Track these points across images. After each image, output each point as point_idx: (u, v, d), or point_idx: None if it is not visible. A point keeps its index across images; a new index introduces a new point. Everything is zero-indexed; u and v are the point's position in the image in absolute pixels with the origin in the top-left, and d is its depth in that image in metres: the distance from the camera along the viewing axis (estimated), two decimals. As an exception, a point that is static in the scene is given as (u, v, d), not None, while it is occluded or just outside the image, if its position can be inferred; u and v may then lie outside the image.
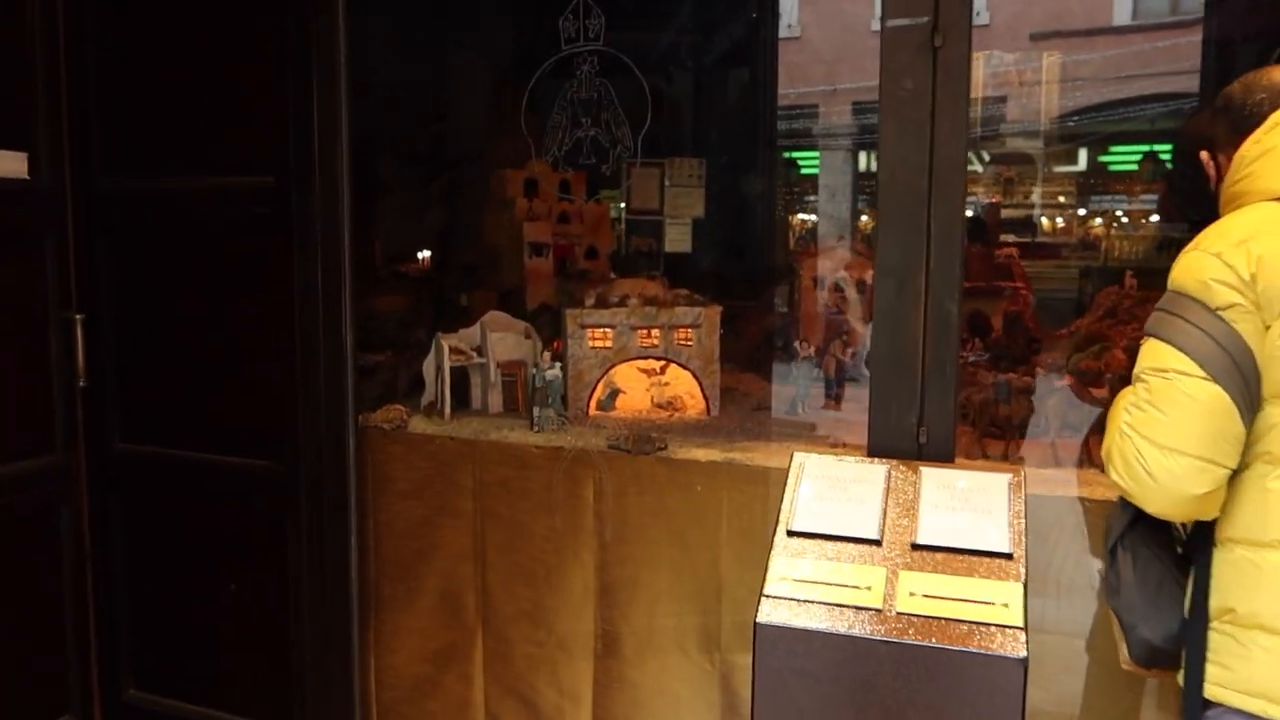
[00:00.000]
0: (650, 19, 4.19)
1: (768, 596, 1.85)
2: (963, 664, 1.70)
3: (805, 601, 1.83)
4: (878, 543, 1.90)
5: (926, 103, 2.01)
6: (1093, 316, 3.21)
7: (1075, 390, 2.52)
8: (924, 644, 1.72)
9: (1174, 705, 1.95)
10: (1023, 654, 1.67)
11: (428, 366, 3.05)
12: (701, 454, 2.54)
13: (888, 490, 1.99)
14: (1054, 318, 3.74)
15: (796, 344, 3.07)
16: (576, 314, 2.96)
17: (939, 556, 1.86)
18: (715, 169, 4.16)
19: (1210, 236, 1.52)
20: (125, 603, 3.13)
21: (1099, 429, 2.40)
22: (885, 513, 1.95)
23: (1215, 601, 1.53)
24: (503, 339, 3.07)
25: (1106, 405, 2.54)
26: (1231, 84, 1.68)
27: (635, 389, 3.02)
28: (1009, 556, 1.83)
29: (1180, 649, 1.58)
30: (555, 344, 3.07)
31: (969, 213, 2.21)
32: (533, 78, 2.94)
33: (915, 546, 1.88)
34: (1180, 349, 1.45)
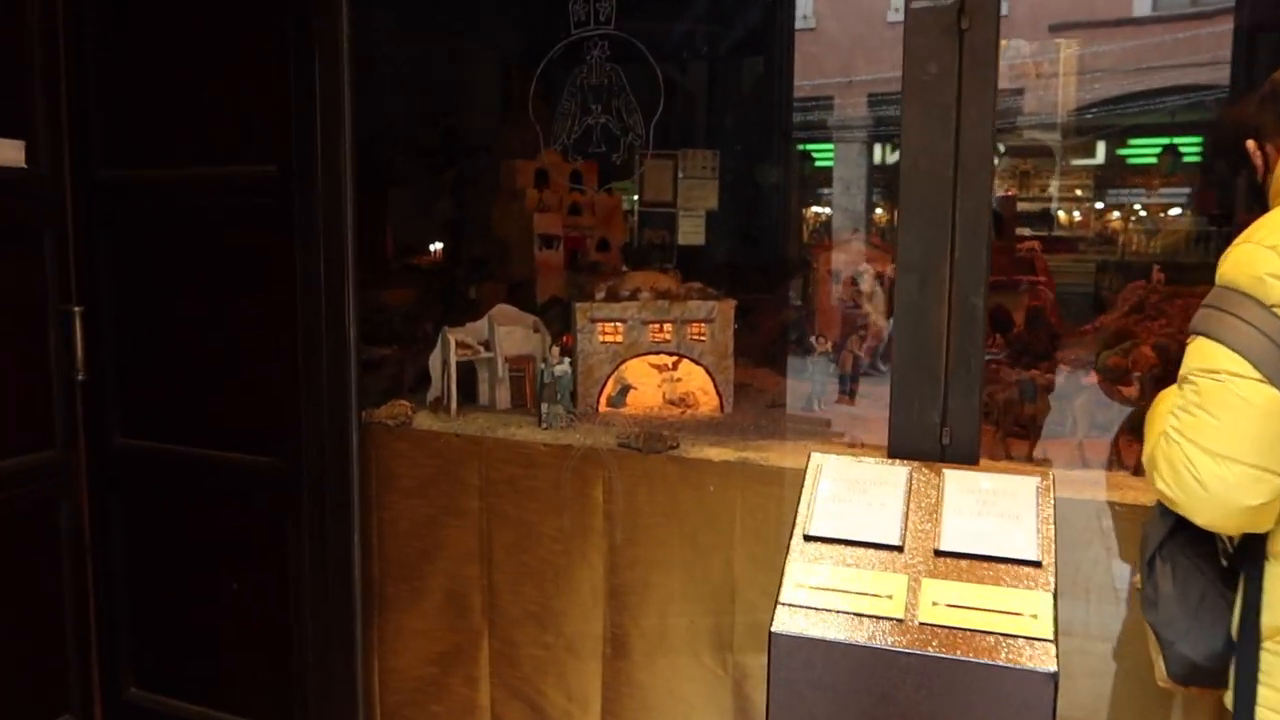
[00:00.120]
0: (663, 5, 4.10)
1: (784, 604, 1.77)
2: (989, 678, 1.61)
3: (823, 610, 1.75)
4: (899, 549, 1.81)
5: (952, 88, 1.92)
6: (1118, 312, 3.12)
7: (1105, 389, 2.42)
8: (948, 656, 1.64)
9: (1209, 721, 1.87)
10: (1053, 668, 1.58)
11: (434, 361, 2.97)
12: (714, 453, 2.46)
13: (909, 493, 1.91)
14: (1071, 313, 3.65)
15: (813, 339, 2.98)
16: (586, 308, 2.88)
17: (963, 564, 1.77)
18: (729, 161, 4.08)
19: (1264, 228, 1.43)
20: (126, 600, 3.09)
21: (1129, 429, 2.32)
22: (907, 517, 1.86)
23: (1268, 620, 1.43)
24: (511, 333, 2.99)
25: (1135, 404, 2.46)
26: (1280, 70, 1.59)
27: (646, 385, 2.94)
28: (1037, 564, 1.74)
29: (1222, 667, 1.49)
30: (565, 338, 3.00)
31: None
32: (541, 63, 2.85)
33: (938, 553, 1.79)
34: (1232, 348, 1.36)
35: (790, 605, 1.77)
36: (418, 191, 5.01)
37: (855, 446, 2.42)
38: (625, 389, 2.92)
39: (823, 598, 1.77)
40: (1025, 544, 1.77)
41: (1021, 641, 1.63)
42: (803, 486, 1.96)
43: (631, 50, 2.74)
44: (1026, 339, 3.19)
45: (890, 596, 1.74)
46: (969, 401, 2.00)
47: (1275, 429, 1.33)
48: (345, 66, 2.61)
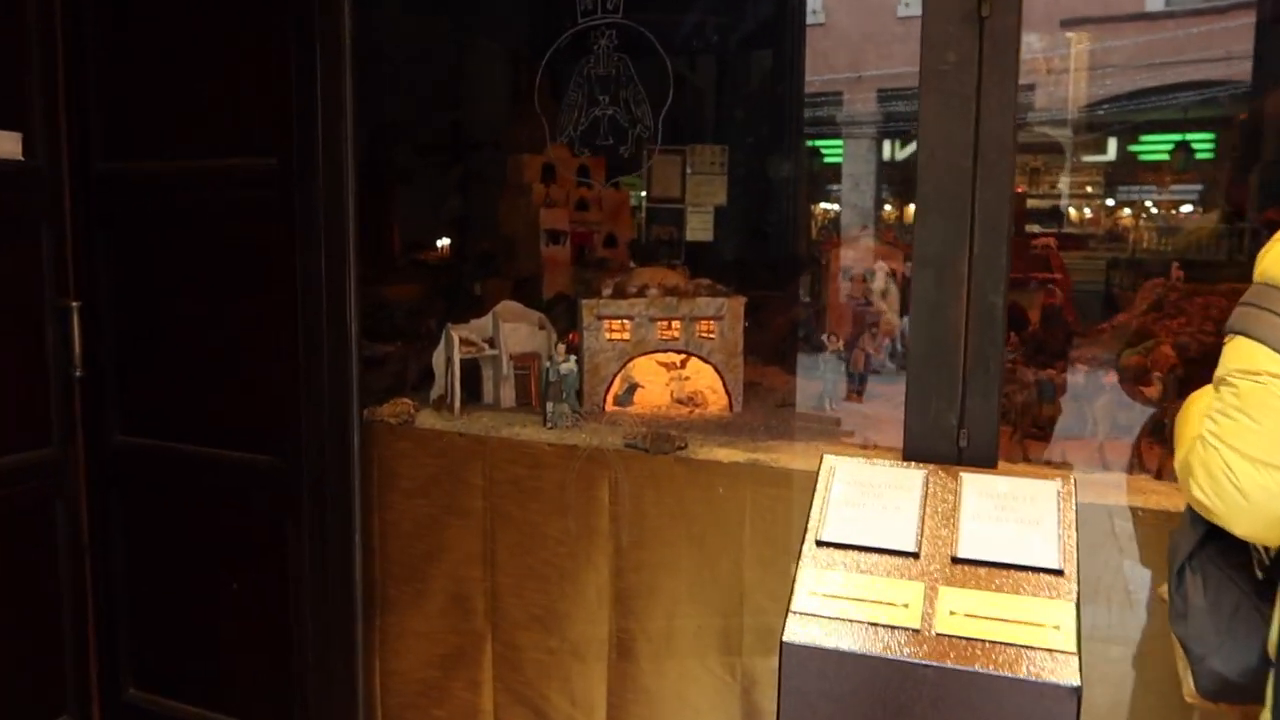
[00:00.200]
0: (672, -6, 4.03)
1: (795, 613, 1.71)
2: (1009, 692, 1.55)
3: (836, 619, 1.69)
4: (915, 555, 1.75)
5: (972, 77, 1.85)
6: (1135, 310, 3.05)
7: (1127, 390, 2.35)
8: (966, 669, 1.57)
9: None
10: (1076, 682, 1.52)
11: (437, 358, 2.92)
12: (723, 454, 2.40)
13: (925, 498, 1.84)
14: (1082, 311, 3.59)
15: (825, 337, 2.92)
16: (593, 304, 2.82)
17: (982, 571, 1.71)
18: (738, 156, 4.02)
19: None
20: (124, 600, 3.05)
21: (1151, 431, 2.25)
22: (923, 522, 1.80)
23: (1309, 635, 1.36)
24: (516, 330, 2.94)
25: (1156, 405, 2.39)
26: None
27: (654, 383, 2.88)
28: (1059, 573, 1.67)
29: (1256, 683, 1.42)
30: (571, 335, 2.94)
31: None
32: (547, 53, 2.78)
33: (956, 560, 1.73)
34: (1275, 349, 1.28)
35: (802, 614, 1.71)
36: (424, 187, 4.96)
37: (868, 448, 2.36)
38: (632, 387, 2.86)
39: (836, 606, 1.71)
40: (1046, 551, 1.71)
41: (1043, 654, 1.56)
42: (814, 489, 1.90)
43: (640, 40, 2.67)
44: (1042, 337, 3.13)
45: (906, 605, 1.68)
46: (988, 402, 1.94)
47: None
48: (347, 57, 2.56)
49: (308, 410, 2.68)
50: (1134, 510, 2.03)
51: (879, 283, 3.11)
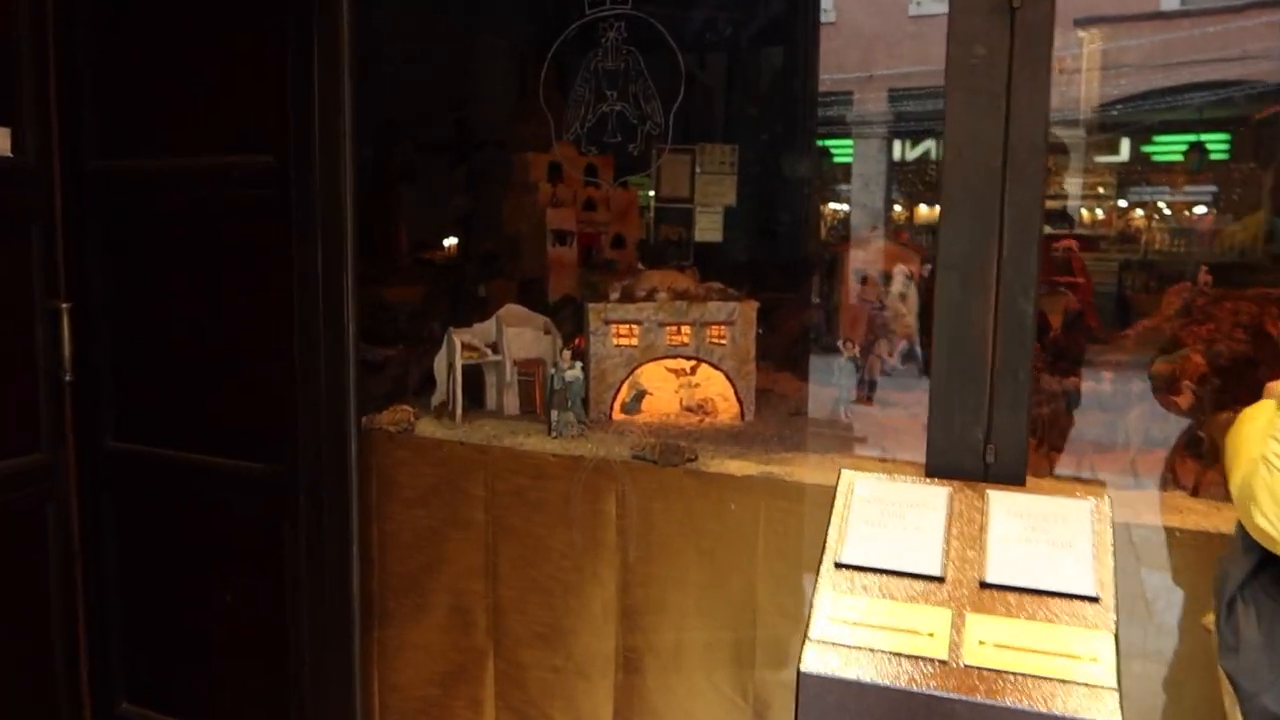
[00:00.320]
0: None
1: (813, 641, 1.61)
2: (1044, 729, 1.45)
3: (856, 648, 1.58)
4: (940, 579, 1.65)
5: (1002, 72, 1.74)
6: (1161, 316, 2.95)
7: (1161, 401, 2.25)
8: (997, 704, 1.47)
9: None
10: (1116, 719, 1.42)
11: (439, 363, 2.83)
12: (735, 466, 2.30)
13: (950, 517, 1.74)
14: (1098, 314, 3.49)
15: (841, 344, 2.81)
16: (600, 309, 2.73)
17: (1011, 597, 1.60)
18: (748, 155, 3.92)
19: None
20: (117, 611, 2.97)
21: (1188, 446, 2.15)
22: (948, 544, 1.69)
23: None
24: (520, 334, 2.84)
25: (1188, 415, 2.28)
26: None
27: (663, 390, 2.78)
28: (1094, 600, 1.57)
29: (1315, 725, 1.32)
30: (577, 340, 2.84)
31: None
32: (553, 46, 2.67)
33: (984, 585, 1.62)
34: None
35: (820, 641, 1.60)
36: (428, 185, 4.88)
37: (887, 461, 2.25)
38: (640, 394, 2.77)
39: (856, 634, 1.60)
40: (1081, 576, 1.60)
41: (1080, 689, 1.46)
42: (832, 507, 1.80)
43: (650, 33, 2.56)
44: (1064, 344, 3.02)
45: (931, 634, 1.58)
46: (1016, 415, 1.83)
47: None
48: (345, 53, 2.48)
49: (304, 415, 2.60)
50: (1169, 530, 1.92)
51: (897, 285, 3.00)
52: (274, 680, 2.74)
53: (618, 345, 2.73)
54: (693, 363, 2.76)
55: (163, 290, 2.79)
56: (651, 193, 4.04)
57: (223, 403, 2.75)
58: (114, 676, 2.99)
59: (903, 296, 3.00)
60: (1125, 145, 10.78)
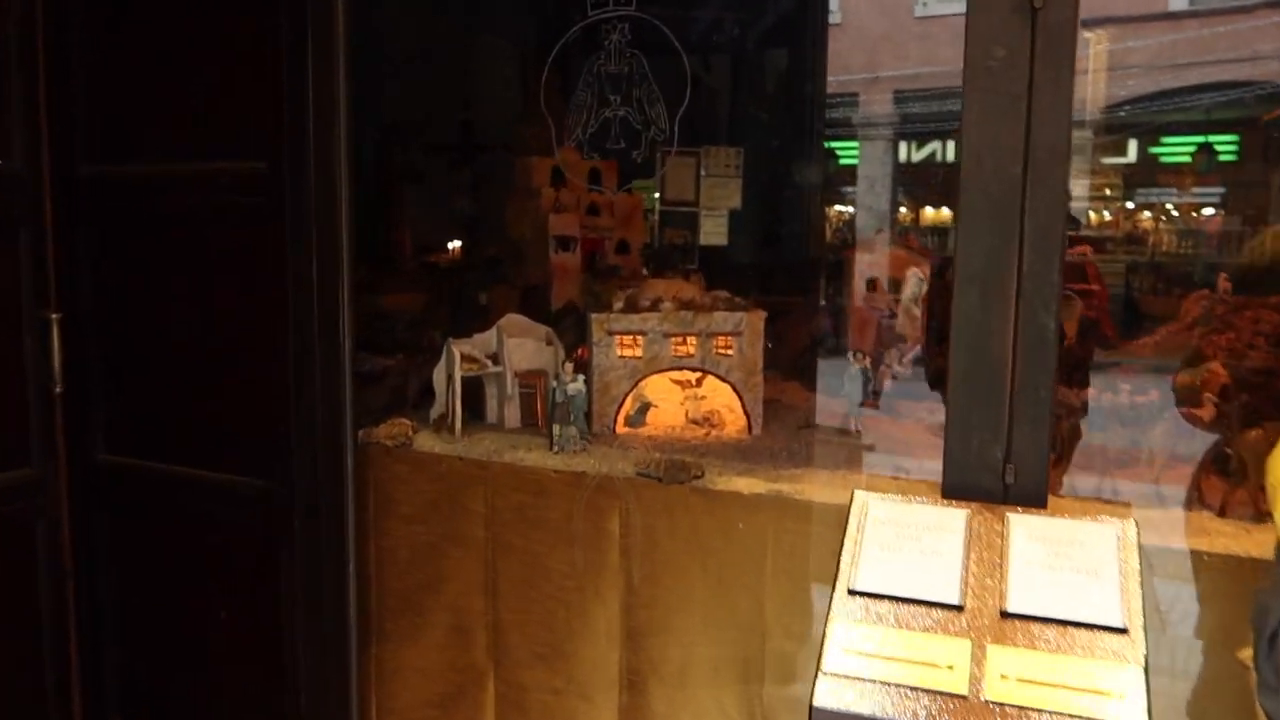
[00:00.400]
0: (687, -9, 3.86)
1: (826, 674, 1.53)
2: (1071, 770, 1.37)
3: (872, 681, 1.51)
4: (959, 608, 1.57)
5: (1023, 74, 1.67)
6: (1179, 324, 2.87)
7: (1186, 416, 2.17)
8: (1022, 743, 1.39)
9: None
10: (1148, 761, 1.34)
11: (438, 375, 2.75)
12: (743, 484, 2.22)
13: (969, 541, 1.66)
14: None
15: (851, 355, 2.74)
16: (603, 319, 2.65)
17: (1034, 628, 1.53)
18: (753, 158, 3.85)
19: None
20: (110, 627, 2.90)
21: (1214, 464, 2.07)
22: (967, 570, 1.62)
23: None
24: (521, 345, 2.77)
25: (1210, 428, 2.21)
26: None
27: (668, 403, 2.71)
28: (1123, 631, 1.49)
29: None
30: (579, 351, 2.77)
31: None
32: (554, 48, 2.60)
33: (1005, 615, 1.55)
34: None
35: (833, 675, 1.53)
36: (429, 190, 4.82)
37: (900, 479, 2.17)
38: (645, 407, 2.70)
39: (871, 666, 1.53)
40: (1107, 606, 1.52)
41: (1109, 727, 1.38)
42: (845, 530, 1.72)
43: (654, 36, 2.48)
44: (1079, 354, 2.94)
45: (950, 667, 1.50)
46: (1037, 433, 1.75)
47: None
48: (340, 57, 2.40)
49: (299, 429, 2.53)
50: (1195, 554, 1.84)
51: (910, 291, 2.92)
52: (269, 699, 2.68)
53: (621, 356, 2.66)
54: (698, 374, 2.69)
55: (155, 300, 2.73)
56: (656, 195, 3.98)
57: (216, 415, 2.68)
58: (107, 694, 2.92)
59: (915, 300, 2.92)
60: (1133, 146, 10.71)
